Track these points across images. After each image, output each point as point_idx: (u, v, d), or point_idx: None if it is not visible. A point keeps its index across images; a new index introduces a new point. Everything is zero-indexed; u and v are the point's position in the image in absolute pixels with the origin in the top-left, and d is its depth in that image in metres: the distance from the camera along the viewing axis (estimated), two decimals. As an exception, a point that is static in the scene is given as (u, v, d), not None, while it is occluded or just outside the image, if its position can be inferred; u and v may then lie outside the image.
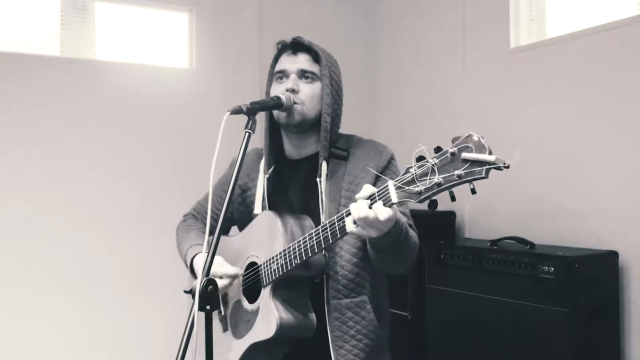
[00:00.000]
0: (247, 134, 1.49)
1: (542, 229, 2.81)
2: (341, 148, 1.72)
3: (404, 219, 1.48)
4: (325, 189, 1.65)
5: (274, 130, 1.77)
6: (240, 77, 3.53)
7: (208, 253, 1.36)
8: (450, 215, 3.21)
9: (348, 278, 1.62)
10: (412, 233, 1.58)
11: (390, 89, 3.88)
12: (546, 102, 2.89)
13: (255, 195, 1.76)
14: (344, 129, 1.79)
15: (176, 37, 3.52)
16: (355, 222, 1.35)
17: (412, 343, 2.97)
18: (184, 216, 2.01)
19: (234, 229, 1.88)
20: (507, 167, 1.12)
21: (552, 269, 2.39)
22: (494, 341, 2.59)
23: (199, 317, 1.32)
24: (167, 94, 3.36)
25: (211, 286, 1.32)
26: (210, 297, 1.32)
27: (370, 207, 1.32)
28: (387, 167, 1.69)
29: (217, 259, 1.69)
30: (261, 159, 1.78)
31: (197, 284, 1.31)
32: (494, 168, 1.12)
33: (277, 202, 1.72)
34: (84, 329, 3.11)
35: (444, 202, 1.62)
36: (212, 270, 1.61)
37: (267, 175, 1.74)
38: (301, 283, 1.62)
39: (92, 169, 3.16)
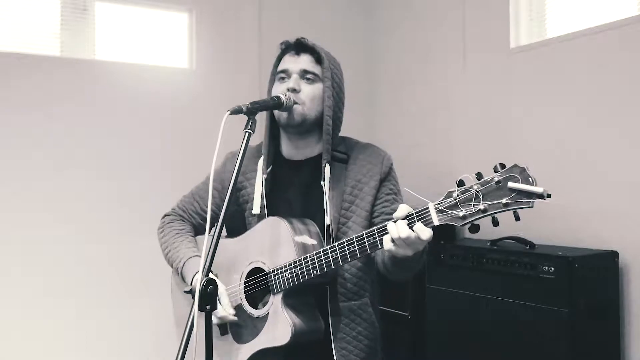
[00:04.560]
0: (247, 134, 1.49)
1: (542, 229, 2.81)
2: (341, 151, 1.72)
3: None
4: (328, 192, 1.65)
5: (273, 131, 1.77)
6: (240, 77, 3.53)
7: (208, 253, 1.36)
8: (450, 215, 3.19)
9: (352, 282, 1.66)
10: None
11: (390, 89, 3.87)
12: (546, 102, 2.89)
13: (250, 194, 1.74)
14: (345, 129, 1.79)
15: (176, 37, 3.51)
16: (393, 241, 1.38)
17: (412, 343, 2.97)
18: (166, 215, 1.91)
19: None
20: (549, 197, 1.22)
21: (552, 269, 2.39)
22: (493, 341, 2.59)
23: (199, 317, 1.32)
24: (167, 94, 3.36)
25: (211, 286, 1.32)
26: (210, 297, 1.32)
27: (409, 227, 1.35)
28: (389, 174, 1.72)
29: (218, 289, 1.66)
30: (257, 157, 1.76)
31: (197, 284, 1.31)
32: (539, 198, 1.22)
33: (276, 203, 1.71)
34: (83, 328, 3.11)
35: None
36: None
37: (265, 175, 1.72)
38: (312, 290, 1.64)
39: (92, 169, 3.16)
